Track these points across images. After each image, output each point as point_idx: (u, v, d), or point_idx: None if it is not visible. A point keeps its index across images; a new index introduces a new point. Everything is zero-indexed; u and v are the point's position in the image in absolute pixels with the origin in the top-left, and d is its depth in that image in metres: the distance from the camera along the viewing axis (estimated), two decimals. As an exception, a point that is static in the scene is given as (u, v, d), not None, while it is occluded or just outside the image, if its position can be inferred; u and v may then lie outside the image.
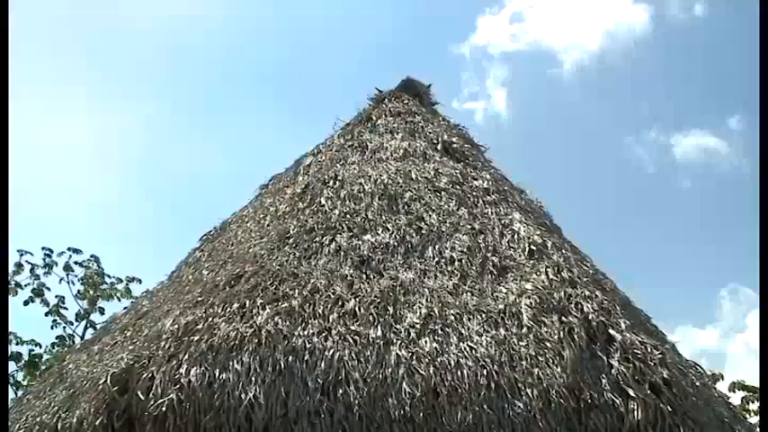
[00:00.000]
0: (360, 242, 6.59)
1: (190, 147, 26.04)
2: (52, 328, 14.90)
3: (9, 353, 13.90)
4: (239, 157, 25.66)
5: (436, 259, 6.42)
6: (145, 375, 5.03)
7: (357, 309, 5.60)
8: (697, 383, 6.27)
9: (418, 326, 5.46)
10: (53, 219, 21.62)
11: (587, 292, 5.91)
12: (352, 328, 5.40)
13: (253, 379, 4.92)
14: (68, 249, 15.68)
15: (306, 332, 5.32)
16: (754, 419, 12.82)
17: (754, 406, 13.44)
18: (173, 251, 15.19)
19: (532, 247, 6.57)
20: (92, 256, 15.87)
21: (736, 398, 13.07)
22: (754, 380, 13.77)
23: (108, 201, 23.88)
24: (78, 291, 15.43)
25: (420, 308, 5.67)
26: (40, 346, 14.54)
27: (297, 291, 5.79)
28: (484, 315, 5.64)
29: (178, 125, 26.72)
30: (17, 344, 14.30)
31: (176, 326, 5.52)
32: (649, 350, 5.40)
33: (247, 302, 5.65)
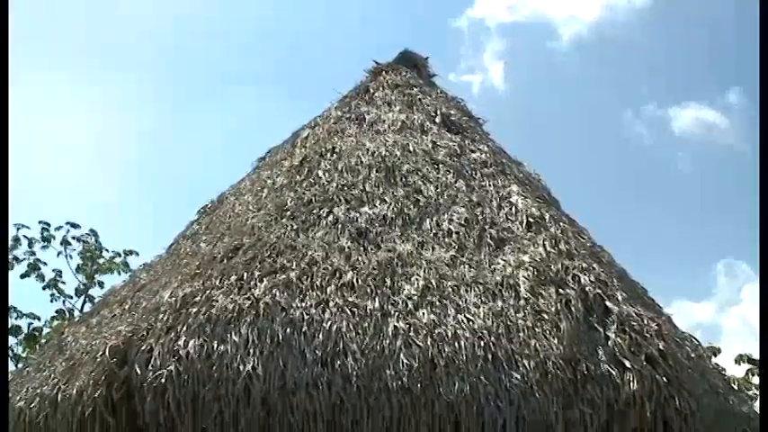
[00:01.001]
0: (357, 214, 6.58)
1: (189, 125, 25.90)
2: (51, 301, 14.93)
3: (9, 326, 13.95)
4: (239, 136, 25.54)
5: (434, 231, 6.42)
6: (143, 347, 5.05)
7: (355, 281, 5.61)
8: (693, 355, 6.31)
9: (416, 298, 5.48)
10: (49, 190, 21.59)
11: (585, 265, 5.93)
12: (350, 299, 5.41)
13: (251, 351, 4.94)
14: (66, 224, 15.65)
15: (304, 304, 5.34)
16: (753, 392, 12.95)
17: (757, 379, 13.56)
18: (170, 224, 15.16)
19: (530, 219, 6.57)
20: (90, 231, 15.85)
21: (740, 370, 13.18)
22: (750, 351, 13.88)
23: (108, 175, 23.81)
24: (77, 265, 15.44)
25: (418, 280, 5.68)
26: (39, 320, 14.57)
27: (294, 263, 5.80)
28: (481, 287, 5.66)
29: (178, 103, 26.54)
30: (16, 317, 14.33)
31: (174, 298, 5.53)
32: (646, 322, 5.43)
33: (245, 275, 5.66)
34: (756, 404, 11.31)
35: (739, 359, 13.53)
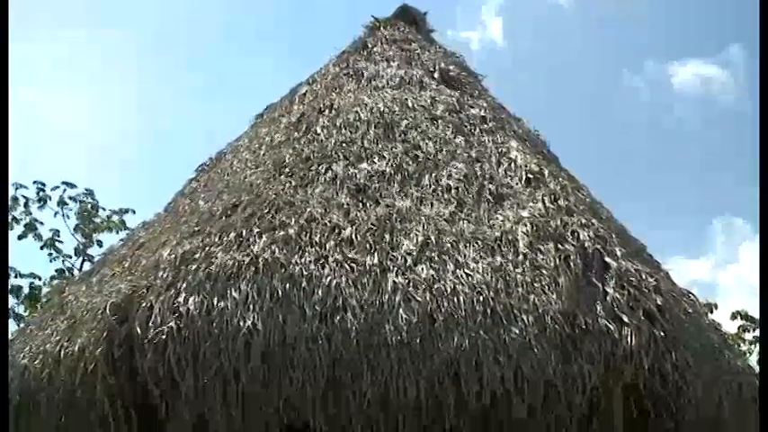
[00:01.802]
0: (356, 170, 6.55)
1: (188, 82, 25.64)
2: (51, 261, 14.95)
3: (9, 287, 14.00)
4: (237, 93, 25.31)
5: (433, 187, 6.40)
6: (144, 304, 5.09)
7: (354, 236, 5.60)
8: (690, 311, 6.35)
9: (415, 253, 5.48)
10: (48, 150, 21.49)
11: (583, 220, 5.92)
12: (349, 255, 5.41)
13: (251, 307, 4.97)
14: (62, 183, 15.57)
15: (303, 260, 5.34)
16: (747, 347, 13.12)
17: (750, 335, 13.72)
18: (168, 183, 15.12)
19: (529, 175, 6.54)
20: (86, 190, 15.77)
21: (733, 326, 13.33)
22: (745, 308, 14.01)
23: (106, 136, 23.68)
24: (75, 225, 15.42)
25: (417, 235, 5.67)
26: (40, 279, 14.62)
27: (293, 219, 5.78)
28: (480, 242, 5.65)
29: (178, 59, 26.24)
30: (16, 277, 14.38)
31: (174, 256, 5.54)
32: (644, 277, 5.44)
33: (244, 231, 5.65)
34: (752, 359, 11.51)
35: (734, 315, 13.68)
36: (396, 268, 5.32)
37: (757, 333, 13.55)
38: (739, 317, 13.69)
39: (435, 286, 5.17)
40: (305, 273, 5.21)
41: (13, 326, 12.88)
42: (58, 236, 15.21)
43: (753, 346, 13.42)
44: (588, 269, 5.39)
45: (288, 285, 5.10)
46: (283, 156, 6.95)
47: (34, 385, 5.41)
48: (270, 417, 4.86)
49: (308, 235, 5.62)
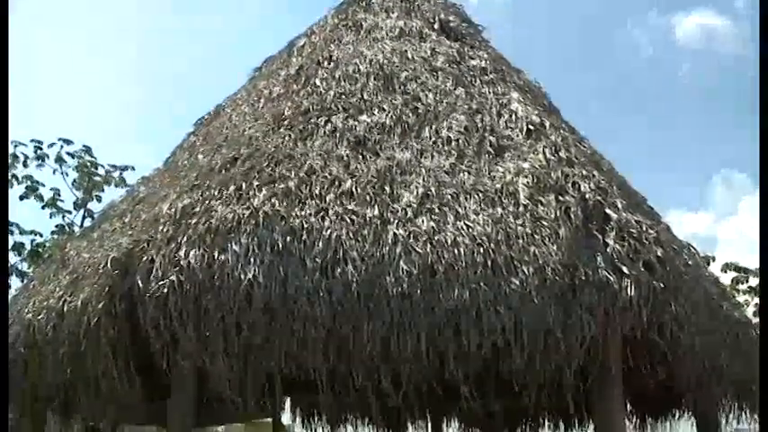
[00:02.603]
0: (355, 123, 6.50)
1: (186, 32, 25.31)
2: (51, 216, 14.97)
3: (11, 244, 14.06)
4: (235, 48, 25.00)
5: (433, 139, 6.35)
6: (145, 258, 5.09)
7: (354, 189, 5.58)
8: (689, 262, 6.36)
9: (415, 205, 5.47)
10: (45, 105, 21.34)
11: (584, 172, 5.89)
12: (349, 207, 5.40)
13: (251, 260, 4.97)
14: (59, 140, 15.50)
15: (303, 213, 5.33)
16: (742, 298, 13.26)
17: (744, 286, 13.86)
18: (166, 139, 15.07)
19: (530, 126, 6.49)
20: (83, 147, 15.72)
21: (726, 278, 13.45)
22: (744, 262, 14.12)
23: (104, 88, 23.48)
24: (74, 180, 15.39)
25: (417, 187, 5.65)
26: (41, 236, 14.67)
27: (293, 172, 5.76)
28: (481, 194, 5.64)
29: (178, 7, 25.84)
30: (19, 233, 14.43)
31: (174, 210, 5.53)
32: (644, 229, 5.43)
33: (243, 185, 5.64)
34: (748, 310, 11.61)
35: (725, 267, 13.81)
36: (396, 220, 5.32)
37: (751, 283, 13.70)
38: (733, 269, 13.82)
39: (436, 238, 5.17)
40: (305, 225, 5.20)
41: (16, 282, 13.00)
42: (59, 195, 15.23)
43: (748, 297, 13.59)
44: (588, 221, 5.39)
45: (288, 238, 5.10)
46: (282, 109, 6.88)
47: (39, 339, 5.42)
48: (271, 369, 4.93)
49: (308, 188, 5.60)
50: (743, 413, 6.83)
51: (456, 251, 5.07)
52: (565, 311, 4.93)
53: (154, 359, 5.06)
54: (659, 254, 5.24)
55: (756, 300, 13.41)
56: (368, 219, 5.30)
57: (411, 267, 4.94)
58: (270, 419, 12.75)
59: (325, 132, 6.38)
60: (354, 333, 4.77)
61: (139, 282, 4.96)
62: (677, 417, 8.93)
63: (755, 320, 9.82)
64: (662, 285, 5.09)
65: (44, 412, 7.36)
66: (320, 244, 5.07)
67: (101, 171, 15.62)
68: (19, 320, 5.85)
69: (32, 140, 15.33)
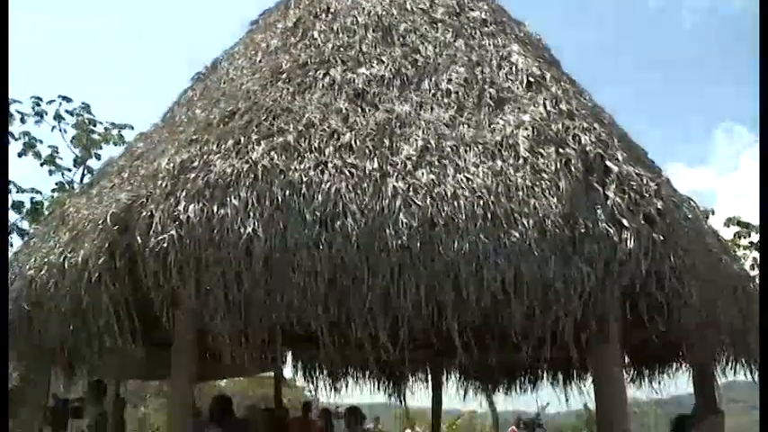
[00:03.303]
0: (354, 75, 6.43)
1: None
2: (50, 174, 14.94)
3: (11, 202, 14.04)
4: (232, 2, 24.58)
5: (432, 91, 6.30)
6: (144, 214, 5.08)
7: (353, 142, 5.55)
8: (689, 216, 6.34)
9: (415, 158, 5.44)
10: (44, 63, 21.10)
11: (585, 125, 5.85)
12: (349, 160, 5.37)
13: (251, 213, 4.96)
14: (58, 97, 15.39)
15: (302, 166, 5.30)
16: (742, 252, 13.30)
17: (745, 241, 13.90)
18: (164, 95, 14.98)
19: (530, 78, 6.42)
20: (82, 104, 15.61)
21: (728, 232, 13.48)
22: (745, 217, 14.13)
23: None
24: (72, 137, 15.31)
25: (416, 140, 5.61)
26: (41, 194, 14.65)
27: (291, 125, 5.72)
28: (481, 147, 5.60)
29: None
30: (18, 192, 14.40)
31: (172, 165, 5.51)
32: (645, 182, 5.41)
33: (242, 138, 5.60)
34: (746, 264, 11.66)
35: (728, 222, 13.82)
36: (396, 173, 5.29)
37: (752, 239, 13.73)
38: (736, 223, 13.84)
39: (435, 191, 5.15)
40: (304, 179, 5.18)
41: (17, 240, 13.03)
42: (57, 152, 15.17)
43: (747, 252, 13.64)
44: (589, 173, 5.36)
45: (287, 192, 5.08)
46: (280, 62, 6.80)
47: (41, 295, 5.44)
48: (272, 322, 4.92)
49: (307, 141, 5.56)
50: (739, 365, 6.89)
51: (456, 204, 5.06)
52: (564, 263, 4.92)
53: (155, 314, 5.08)
54: (659, 206, 5.22)
55: (755, 254, 13.46)
56: (367, 172, 5.27)
57: (411, 220, 4.93)
58: (271, 374, 12.96)
59: (323, 85, 6.32)
60: (354, 285, 4.77)
61: (139, 237, 4.94)
62: (674, 369, 9.05)
63: (754, 274, 9.89)
64: (662, 238, 5.07)
65: (49, 367, 7.45)
66: (319, 197, 5.05)
67: (99, 129, 15.54)
68: (21, 277, 5.86)
69: (32, 97, 15.21)
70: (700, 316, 5.50)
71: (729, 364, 6.89)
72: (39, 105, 15.27)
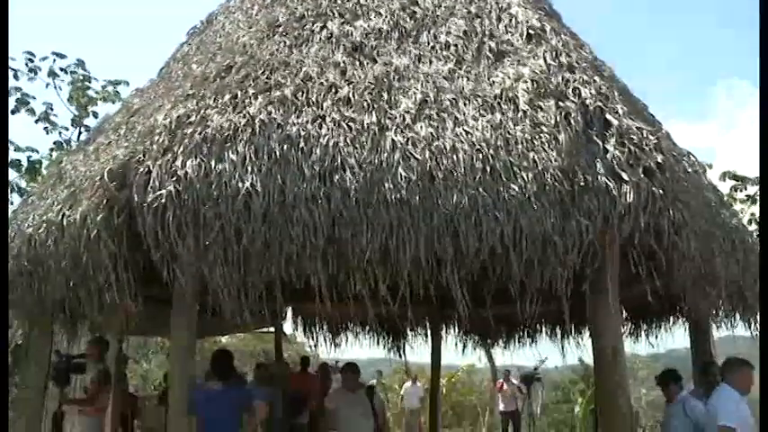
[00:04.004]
0: (352, 28, 6.37)
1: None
2: (47, 133, 14.82)
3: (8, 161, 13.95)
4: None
5: (431, 44, 6.23)
6: (141, 170, 5.04)
7: (351, 95, 5.51)
8: (689, 170, 6.33)
9: (413, 111, 5.40)
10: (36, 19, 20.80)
11: (585, 78, 5.79)
12: (347, 114, 5.34)
13: (249, 168, 4.94)
14: (52, 53, 15.16)
15: (300, 120, 5.26)
16: (739, 207, 13.32)
17: (741, 194, 13.90)
18: (160, 50, 14.75)
19: (530, 31, 6.35)
20: (77, 60, 15.40)
21: (725, 186, 13.48)
22: (742, 171, 14.11)
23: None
24: (68, 95, 15.15)
25: (415, 93, 5.57)
26: (38, 152, 14.54)
27: (289, 79, 5.67)
28: (480, 100, 5.56)
29: None
30: (15, 150, 14.30)
31: (169, 120, 5.46)
32: (645, 135, 5.37)
33: (239, 93, 5.55)
34: (744, 218, 11.68)
35: (723, 176, 13.81)
36: (394, 127, 5.26)
37: (749, 191, 13.74)
38: (732, 178, 13.83)
39: (434, 144, 5.13)
40: (302, 133, 5.15)
41: (16, 199, 13.00)
42: (52, 109, 15.00)
43: (745, 206, 13.65)
44: (589, 126, 5.32)
45: (285, 146, 5.05)
46: (277, 15, 6.72)
47: (41, 253, 5.44)
48: (271, 277, 4.92)
49: (305, 95, 5.51)
50: (736, 318, 6.94)
51: (455, 157, 5.04)
52: (563, 217, 4.91)
53: (155, 270, 5.08)
54: (659, 160, 5.18)
55: (753, 209, 13.47)
56: (365, 125, 5.24)
57: (409, 173, 4.92)
58: (272, 329, 13.07)
59: (320, 38, 6.26)
60: (353, 239, 4.76)
61: (137, 193, 4.92)
62: (671, 323, 9.13)
63: (752, 228, 9.92)
64: (661, 191, 5.06)
65: (51, 324, 7.50)
66: (318, 151, 5.03)
67: (95, 86, 15.36)
68: (20, 235, 5.86)
69: (24, 52, 14.97)
70: (698, 270, 5.52)
71: (726, 318, 6.94)
72: (32, 62, 15.03)
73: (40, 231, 5.52)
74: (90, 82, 15.22)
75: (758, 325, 6.91)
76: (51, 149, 14.63)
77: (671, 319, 9.04)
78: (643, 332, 9.50)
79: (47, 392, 7.69)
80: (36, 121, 14.83)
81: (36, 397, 7.52)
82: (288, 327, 12.80)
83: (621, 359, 5.42)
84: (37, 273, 5.58)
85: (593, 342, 5.64)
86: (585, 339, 10.42)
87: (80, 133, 14.88)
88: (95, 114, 14.85)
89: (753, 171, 13.41)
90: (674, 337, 9.56)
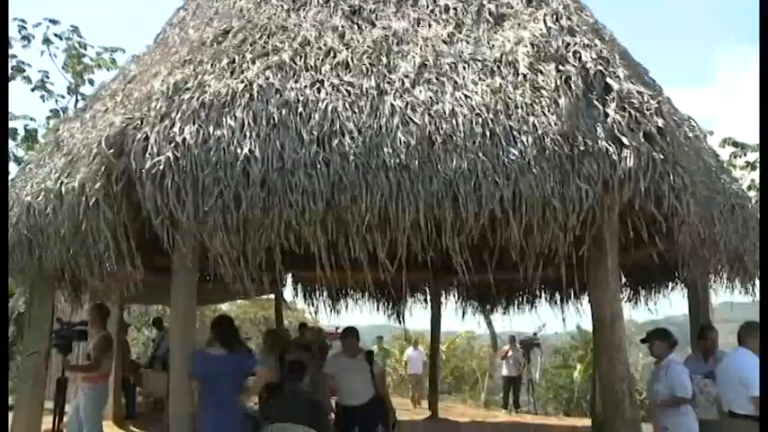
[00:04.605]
0: (350, -9, 6.27)
1: None
2: (43, 100, 14.74)
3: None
4: None
5: (430, 7, 6.17)
6: (139, 136, 5.01)
7: (350, 59, 5.46)
8: (690, 135, 6.30)
9: (412, 75, 5.36)
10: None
11: (586, 41, 5.73)
12: (345, 79, 5.30)
13: (247, 134, 4.91)
14: (45, 20, 15.01)
15: (298, 85, 5.23)
16: (739, 173, 13.33)
17: (741, 161, 13.91)
18: (156, 17, 14.64)
19: (531, -7, 6.25)
20: (71, 26, 15.26)
21: (725, 153, 13.47)
22: (742, 137, 14.08)
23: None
24: (64, 62, 15.03)
25: (414, 57, 5.53)
26: (35, 121, 14.49)
27: (287, 44, 5.62)
28: (479, 64, 5.51)
29: None
30: (11, 119, 14.23)
31: (166, 86, 5.42)
32: (645, 99, 5.31)
33: (236, 58, 5.50)
34: (744, 184, 11.69)
35: (723, 142, 13.79)
36: (393, 91, 5.22)
37: (749, 158, 13.74)
38: (733, 144, 13.81)
39: (434, 108, 5.09)
40: (300, 98, 5.11)
41: (12, 167, 12.97)
42: (48, 77, 14.91)
43: (744, 173, 13.67)
44: (589, 90, 5.27)
45: (284, 111, 5.02)
46: (273, -22, 6.60)
47: (40, 221, 5.43)
48: (271, 242, 4.91)
49: (303, 59, 5.46)
50: (735, 284, 6.96)
51: (454, 121, 5.01)
52: (563, 181, 4.89)
53: (155, 237, 5.07)
54: (660, 125, 5.14)
55: (753, 175, 13.48)
56: (364, 90, 5.20)
57: (409, 138, 4.89)
58: (272, 296, 13.14)
59: (318, 2, 6.20)
60: (352, 204, 4.75)
61: (135, 160, 4.88)
62: (669, 289, 9.17)
63: (751, 194, 9.92)
64: (661, 156, 5.02)
65: (52, 292, 7.52)
66: (316, 116, 5.00)
67: (90, 53, 15.24)
68: (18, 203, 5.85)
69: (15, 19, 14.82)
70: (698, 234, 5.52)
71: (725, 283, 6.96)
72: (24, 29, 14.89)
73: (38, 199, 5.51)
74: (85, 49, 15.11)
75: (757, 290, 6.94)
76: (48, 117, 14.59)
77: (669, 285, 9.10)
78: (642, 298, 9.57)
79: (50, 359, 7.77)
80: (32, 90, 14.75)
81: (40, 363, 7.60)
82: (288, 294, 12.88)
83: (620, 323, 5.44)
84: (36, 241, 5.57)
85: (592, 307, 5.67)
86: (585, 305, 10.53)
87: (77, 101, 14.82)
88: (91, 82, 14.78)
89: (753, 138, 13.41)
90: (672, 304, 9.66)
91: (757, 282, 6.90)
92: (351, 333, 6.74)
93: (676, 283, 8.87)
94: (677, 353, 6.27)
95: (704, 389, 6.07)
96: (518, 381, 13.99)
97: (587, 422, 10.59)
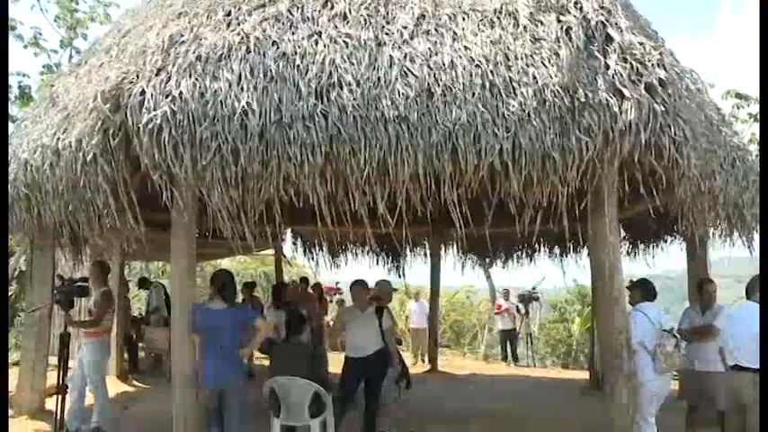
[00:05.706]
0: (346, -60, 6.12)
1: None
2: (36, 56, 14.54)
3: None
4: None
5: (429, -44, 6.01)
6: (135, 91, 4.95)
7: (347, 11, 5.39)
8: (691, 87, 6.23)
9: (411, 26, 5.29)
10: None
11: (587, -9, 5.61)
12: (343, 30, 5.23)
13: (244, 86, 4.86)
14: (34, -28, 14.75)
15: (295, 37, 5.16)
16: (740, 126, 13.24)
17: (743, 113, 13.80)
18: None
19: (531, -58, 6.10)
20: (61, -23, 14.97)
21: (727, 105, 13.35)
22: (744, 89, 13.94)
23: None
24: (56, 16, 14.78)
25: (412, 8, 5.45)
26: (28, 77, 14.32)
27: (283, -5, 5.51)
28: (479, 14, 5.43)
29: None
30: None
31: (161, 39, 5.35)
32: (647, 51, 5.24)
33: (232, 10, 5.43)
34: (745, 138, 11.62)
35: (725, 94, 13.66)
36: (392, 42, 5.16)
37: (751, 110, 13.65)
38: (735, 96, 13.70)
39: (433, 60, 5.03)
40: (298, 50, 5.05)
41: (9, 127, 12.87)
42: (41, 34, 14.68)
43: (746, 126, 13.57)
44: (590, 41, 5.19)
45: (281, 63, 4.96)
46: (268, -73, 6.45)
47: (38, 177, 5.40)
48: (270, 195, 4.89)
49: (300, 11, 5.39)
50: (734, 237, 6.96)
51: (453, 73, 4.95)
52: (563, 133, 4.85)
53: (153, 193, 5.04)
54: (661, 76, 5.07)
55: (755, 128, 13.36)
56: (362, 41, 5.14)
57: (407, 90, 4.84)
58: (272, 251, 13.18)
59: (314, -48, 6.03)
60: (352, 156, 4.72)
61: (131, 115, 4.83)
62: (668, 243, 9.20)
63: (752, 147, 9.86)
64: (663, 108, 4.97)
65: (52, 248, 7.54)
66: (314, 68, 4.94)
67: (83, 7, 14.98)
68: (15, 160, 5.83)
69: None
70: (698, 187, 5.50)
71: (724, 237, 6.96)
72: (13, -18, 14.60)
73: (35, 156, 5.48)
74: (77, 3, 14.85)
75: (757, 244, 6.94)
76: (41, 73, 14.41)
77: (668, 238, 9.12)
78: (640, 251, 9.61)
79: (52, 315, 7.83)
80: (25, 47, 14.55)
81: (43, 320, 7.66)
82: (288, 249, 12.93)
83: (619, 276, 5.46)
84: (35, 197, 5.56)
85: (591, 259, 5.69)
86: (584, 259, 10.57)
87: (71, 56, 14.63)
88: (85, 36, 14.57)
89: (754, 87, 13.25)
90: (670, 257, 9.69)
91: (756, 235, 6.90)
92: (357, 284, 6.71)
93: (675, 237, 8.90)
94: (675, 305, 6.25)
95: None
96: (514, 333, 14.09)
97: (585, 375, 10.73)
